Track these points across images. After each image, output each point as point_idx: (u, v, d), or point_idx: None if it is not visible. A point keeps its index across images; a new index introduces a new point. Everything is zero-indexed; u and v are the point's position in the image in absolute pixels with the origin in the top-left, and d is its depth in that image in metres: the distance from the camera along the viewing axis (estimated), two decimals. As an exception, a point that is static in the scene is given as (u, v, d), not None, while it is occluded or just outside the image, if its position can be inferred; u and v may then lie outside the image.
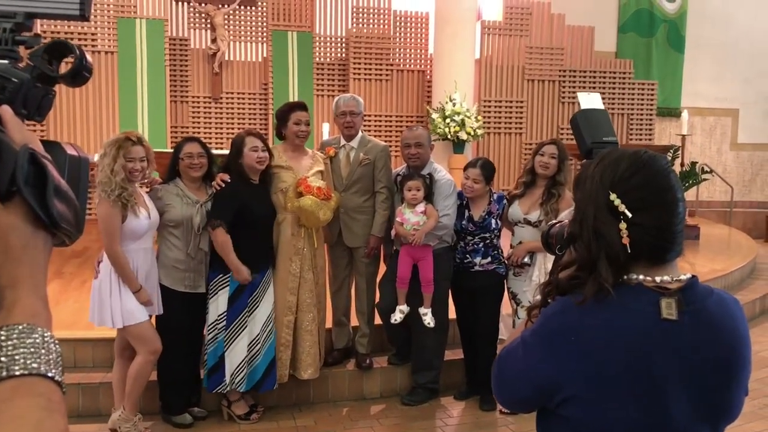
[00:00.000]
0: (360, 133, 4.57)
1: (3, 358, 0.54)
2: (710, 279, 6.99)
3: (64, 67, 0.77)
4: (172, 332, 3.97)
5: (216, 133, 11.39)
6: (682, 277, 1.29)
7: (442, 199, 4.31)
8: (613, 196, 1.26)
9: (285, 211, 4.14)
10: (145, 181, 3.90)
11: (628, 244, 1.23)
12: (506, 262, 4.42)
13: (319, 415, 4.37)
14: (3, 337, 0.55)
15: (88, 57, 0.73)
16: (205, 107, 11.60)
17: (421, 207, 4.23)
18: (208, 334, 4.06)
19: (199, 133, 11.30)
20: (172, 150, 4.20)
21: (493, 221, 4.37)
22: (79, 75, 0.72)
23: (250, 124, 11.08)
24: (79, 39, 10.64)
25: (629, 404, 1.23)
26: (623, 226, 1.24)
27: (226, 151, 4.48)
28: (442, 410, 4.50)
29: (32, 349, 0.55)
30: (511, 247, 4.43)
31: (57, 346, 0.58)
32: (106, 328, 3.81)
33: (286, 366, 4.26)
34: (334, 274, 4.62)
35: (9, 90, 0.67)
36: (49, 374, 0.56)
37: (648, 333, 1.24)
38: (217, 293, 4.03)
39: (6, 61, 0.69)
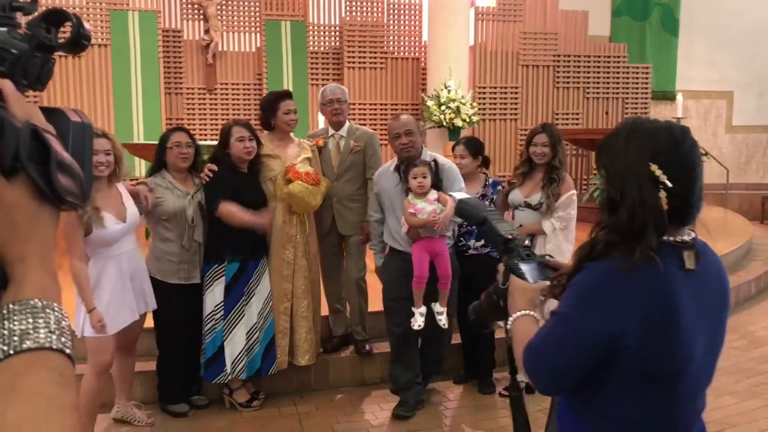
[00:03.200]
0: (347, 122, 4.59)
1: (16, 333, 0.55)
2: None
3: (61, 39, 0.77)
4: (168, 324, 3.99)
5: (211, 124, 11.37)
6: (692, 234, 1.50)
7: (454, 183, 4.02)
8: (654, 167, 1.41)
9: (275, 199, 4.15)
10: (104, 175, 3.53)
11: (666, 211, 1.40)
12: None
13: (321, 401, 4.40)
14: (15, 312, 0.56)
15: (86, 25, 0.73)
16: (199, 98, 11.58)
17: (433, 195, 3.86)
18: (206, 324, 4.06)
19: (194, 123, 11.30)
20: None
21: (487, 204, 4.39)
22: (78, 43, 0.73)
23: (244, 114, 11.05)
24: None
25: (669, 341, 1.40)
26: (663, 194, 1.39)
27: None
28: (441, 395, 4.54)
29: (43, 324, 0.57)
30: None
31: (67, 320, 0.60)
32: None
33: (285, 353, 4.29)
34: (327, 262, 4.63)
35: (9, 61, 0.68)
36: (61, 348, 0.57)
37: (676, 281, 1.42)
38: (212, 284, 4.04)
39: (5, 29, 0.69)
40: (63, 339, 0.57)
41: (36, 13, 0.73)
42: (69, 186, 0.61)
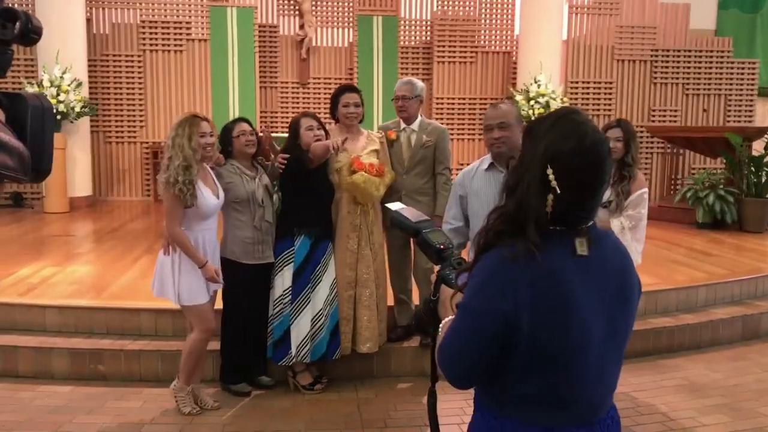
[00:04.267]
0: (419, 117, 4.64)
1: None
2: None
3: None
4: (238, 305, 4.19)
5: (294, 116, 11.65)
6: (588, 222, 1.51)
7: None
8: (549, 171, 1.42)
9: (340, 189, 4.28)
10: (211, 156, 4.03)
11: (549, 213, 1.43)
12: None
13: (380, 388, 4.50)
14: None
15: (35, 21, 0.83)
16: (293, 92, 11.93)
17: None
18: (274, 308, 4.24)
19: (287, 117, 11.64)
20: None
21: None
22: (27, 36, 0.83)
23: (335, 108, 11.27)
24: (175, 27, 11.16)
25: (562, 323, 1.43)
26: (550, 198, 1.42)
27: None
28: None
29: None
30: None
31: None
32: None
33: (348, 339, 4.40)
34: (392, 254, 4.71)
35: None
36: None
37: (566, 267, 1.45)
38: (282, 269, 4.22)
39: None
40: None
41: None
42: (4, 162, 0.71)
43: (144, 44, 11.16)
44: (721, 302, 5.85)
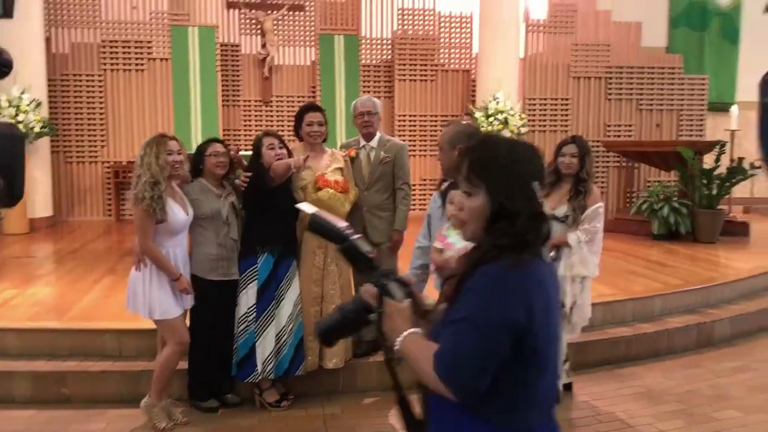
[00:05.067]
0: (378, 133, 4.75)
1: None
2: (752, 276, 6.89)
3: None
4: (204, 322, 4.22)
5: (256, 135, 11.69)
6: None
7: None
8: (536, 186, 1.59)
9: None
10: (179, 174, 4.11)
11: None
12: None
13: (347, 404, 4.54)
14: None
15: (6, 55, 0.90)
16: (256, 110, 11.98)
17: None
18: (239, 325, 4.27)
19: (250, 135, 11.67)
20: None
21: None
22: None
23: (297, 126, 11.34)
24: (136, 47, 11.13)
25: (548, 325, 1.57)
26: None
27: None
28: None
29: None
30: None
31: None
32: (147, 320, 4.07)
33: (315, 355, 4.45)
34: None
35: None
36: None
37: (545, 273, 1.62)
38: (246, 286, 4.26)
39: None
40: None
41: None
42: None
43: (105, 64, 11.09)
44: (676, 311, 6.04)
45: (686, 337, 5.69)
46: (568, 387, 4.66)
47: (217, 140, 4.41)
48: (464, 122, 3.88)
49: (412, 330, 1.61)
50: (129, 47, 11.17)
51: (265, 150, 4.23)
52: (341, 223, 1.76)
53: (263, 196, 4.20)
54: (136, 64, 11.18)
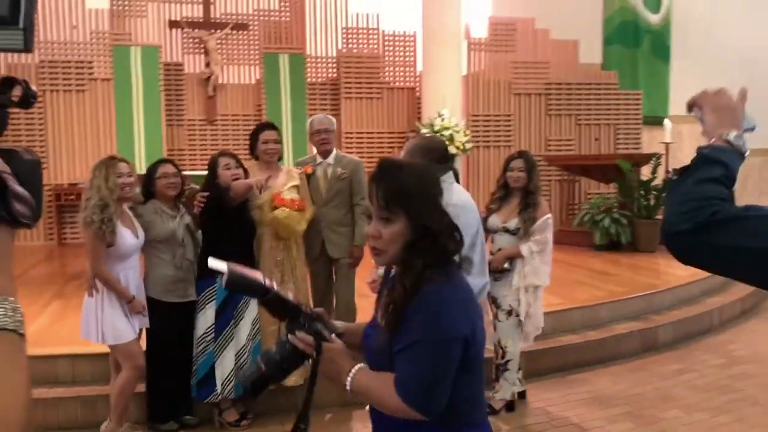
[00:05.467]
0: (335, 150, 4.83)
1: None
2: (691, 282, 7.20)
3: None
4: (162, 344, 4.19)
5: (212, 155, 11.62)
6: None
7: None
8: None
9: (262, 225, 4.37)
10: (129, 196, 4.09)
11: None
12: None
13: (307, 420, 4.56)
14: None
15: (33, 87, 0.95)
16: (200, 130, 11.89)
17: None
18: (198, 346, 4.26)
19: (195, 154, 11.61)
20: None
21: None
22: (27, 101, 0.95)
23: (244, 144, 11.18)
24: (77, 67, 10.95)
25: (481, 330, 1.67)
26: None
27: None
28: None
29: (2, 312, 0.78)
30: (492, 254, 4.64)
31: (20, 311, 0.81)
32: (101, 344, 4.04)
33: (273, 374, 4.46)
34: (315, 287, 4.84)
35: None
36: (15, 328, 0.78)
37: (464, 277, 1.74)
38: (204, 307, 4.25)
39: None
40: (16, 322, 0.78)
41: None
42: (22, 210, 0.83)
43: (44, 84, 10.86)
44: (621, 318, 6.27)
45: (631, 342, 5.91)
46: (522, 395, 4.79)
47: (167, 161, 4.40)
48: (428, 135, 4.04)
49: (358, 366, 1.64)
50: (69, 67, 10.99)
51: (222, 170, 4.25)
52: (259, 276, 1.69)
53: (221, 216, 4.21)
54: (77, 85, 11.00)
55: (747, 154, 1.26)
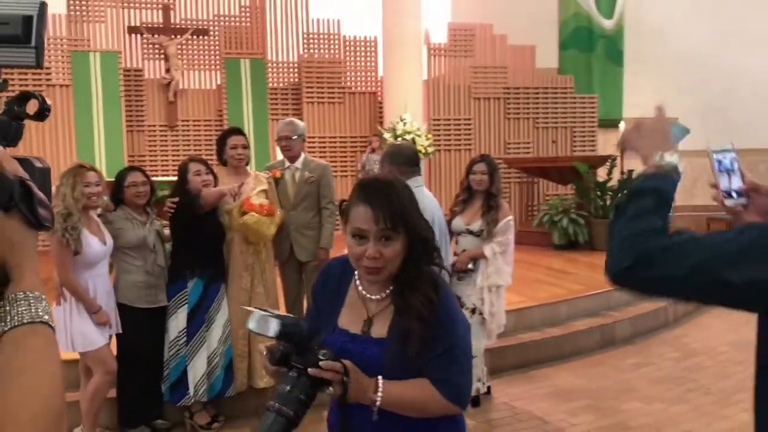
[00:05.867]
0: (302, 155, 4.91)
1: (19, 313, 0.85)
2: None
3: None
4: (132, 349, 4.22)
5: (173, 160, 11.60)
6: None
7: None
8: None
9: (231, 230, 4.44)
10: (96, 204, 4.09)
11: None
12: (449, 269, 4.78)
13: (277, 421, 4.63)
14: (19, 300, 0.86)
15: (48, 100, 1.04)
16: (161, 135, 11.83)
17: None
18: (170, 350, 4.30)
19: (156, 160, 11.54)
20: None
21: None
22: (42, 114, 1.03)
23: (206, 150, 11.29)
24: (34, 73, 10.78)
25: None
26: None
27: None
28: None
29: (35, 307, 0.86)
30: (456, 254, 4.78)
31: (48, 305, 0.89)
32: (69, 351, 4.05)
33: (244, 375, 4.53)
34: (287, 290, 4.92)
35: None
36: (48, 322, 0.87)
37: None
38: (176, 311, 4.29)
39: None
40: (46, 316, 0.87)
41: (9, 93, 1.03)
42: (45, 215, 0.91)
43: (-1, 91, 10.68)
44: (580, 315, 6.48)
45: (590, 338, 6.12)
46: (487, 390, 4.94)
47: (137, 169, 4.43)
48: (396, 143, 4.26)
49: (380, 380, 1.60)
50: (26, 73, 10.81)
51: (192, 176, 4.30)
52: (285, 314, 1.57)
53: (192, 221, 4.26)
54: (35, 91, 10.81)
55: (681, 168, 1.34)
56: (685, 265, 1.18)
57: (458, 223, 4.73)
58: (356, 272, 1.79)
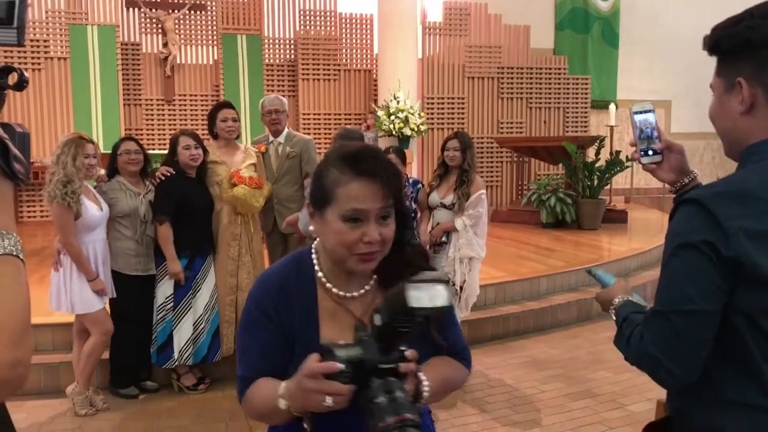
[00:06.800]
0: (286, 129, 5.07)
1: None
2: (629, 257, 7.65)
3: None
4: (123, 314, 4.43)
5: (170, 134, 11.63)
6: None
7: None
8: None
9: (221, 201, 4.62)
10: (93, 175, 4.32)
11: None
12: (422, 241, 4.97)
13: (261, 384, 4.84)
14: None
15: (26, 73, 1.20)
16: (158, 109, 11.96)
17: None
18: (157, 314, 4.51)
19: (152, 134, 11.70)
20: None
21: (407, 202, 4.90)
22: (20, 84, 1.20)
23: (202, 124, 11.43)
24: (32, 46, 10.91)
25: None
26: None
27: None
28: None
29: (6, 242, 1.04)
30: (432, 228, 4.97)
31: (20, 244, 1.07)
32: (63, 314, 4.27)
33: (230, 341, 4.72)
34: (272, 261, 5.10)
35: None
36: (17, 254, 1.04)
37: None
38: (164, 278, 4.49)
39: None
40: (18, 252, 1.04)
41: None
42: (19, 169, 1.08)
43: (-2, 62, 10.80)
44: (559, 290, 6.68)
45: (568, 312, 6.32)
46: (463, 360, 5.14)
47: (130, 138, 4.61)
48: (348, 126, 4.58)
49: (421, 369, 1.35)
50: (24, 46, 10.91)
51: (181, 149, 4.47)
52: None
53: (179, 196, 4.43)
54: (33, 64, 10.95)
55: (623, 300, 1.63)
56: (676, 331, 1.33)
57: (434, 197, 4.92)
58: (319, 272, 1.50)
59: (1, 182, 1.06)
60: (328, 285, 1.49)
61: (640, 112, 1.64)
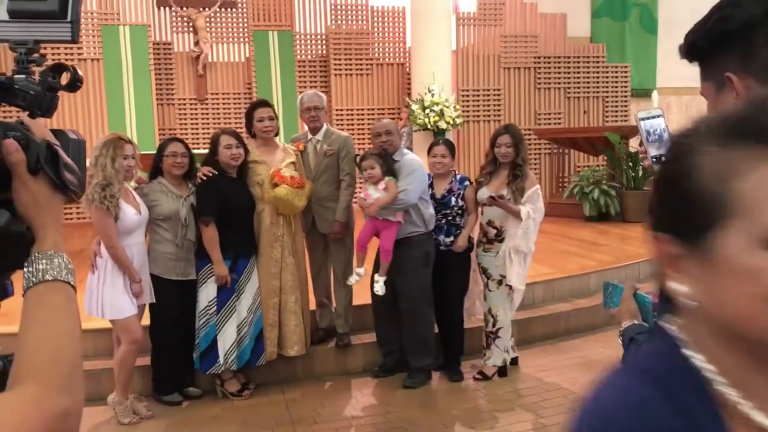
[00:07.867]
0: (324, 126, 4.90)
1: (40, 270, 0.87)
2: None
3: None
4: (165, 319, 4.31)
5: (203, 133, 11.70)
6: None
7: (403, 177, 4.52)
8: None
9: (263, 201, 4.47)
10: (133, 178, 4.21)
11: None
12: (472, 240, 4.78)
13: (306, 389, 4.71)
14: (40, 258, 0.88)
15: (80, 72, 1.05)
16: (191, 108, 11.92)
17: (382, 184, 4.46)
18: (200, 319, 4.38)
19: (186, 133, 11.63)
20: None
21: (453, 199, 4.70)
22: (74, 85, 1.05)
23: (235, 122, 11.36)
24: (66, 48, 10.91)
25: None
26: None
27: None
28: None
29: (56, 266, 0.88)
30: (482, 225, 4.76)
31: (71, 265, 0.91)
32: (104, 320, 4.16)
33: (274, 344, 4.59)
34: (312, 259, 4.96)
35: (28, 99, 1.00)
36: (68, 281, 0.89)
37: None
38: (206, 281, 4.36)
39: (24, 76, 1.01)
40: (69, 275, 0.89)
41: (45, 65, 1.04)
42: (71, 179, 0.93)
43: (32, 65, 10.82)
44: (610, 286, 6.42)
45: (620, 309, 6.06)
46: (514, 361, 4.95)
47: (177, 140, 4.48)
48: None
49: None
50: (58, 48, 10.93)
51: (222, 149, 4.33)
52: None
53: (221, 196, 4.30)
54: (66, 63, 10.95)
55: (629, 323, 1.62)
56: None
57: (484, 193, 4.69)
58: (717, 378, 0.69)
59: (51, 195, 0.91)
60: (742, 402, 0.67)
61: (647, 118, 1.54)
